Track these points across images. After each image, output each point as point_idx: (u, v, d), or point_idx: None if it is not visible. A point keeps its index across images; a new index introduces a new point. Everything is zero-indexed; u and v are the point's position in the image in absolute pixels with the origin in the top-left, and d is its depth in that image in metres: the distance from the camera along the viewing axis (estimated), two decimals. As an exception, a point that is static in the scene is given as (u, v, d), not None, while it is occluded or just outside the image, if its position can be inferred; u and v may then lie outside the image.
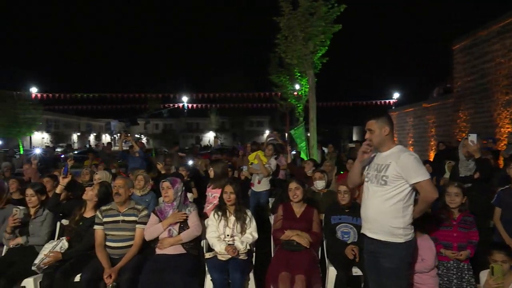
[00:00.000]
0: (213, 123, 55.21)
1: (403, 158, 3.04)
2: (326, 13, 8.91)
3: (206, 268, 4.07)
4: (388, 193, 3.08)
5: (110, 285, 3.86)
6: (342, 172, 8.11)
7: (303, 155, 10.35)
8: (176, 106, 34.92)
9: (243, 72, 53.26)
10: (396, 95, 36.03)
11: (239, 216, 4.29)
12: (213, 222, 4.31)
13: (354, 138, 44.86)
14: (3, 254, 4.41)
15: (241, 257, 4.07)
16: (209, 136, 64.39)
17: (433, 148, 19.56)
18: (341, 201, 4.53)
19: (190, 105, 35.27)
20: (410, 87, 64.07)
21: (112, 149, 15.28)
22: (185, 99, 35.12)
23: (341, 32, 9.25)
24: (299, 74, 16.39)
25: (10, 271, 4.03)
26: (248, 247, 4.17)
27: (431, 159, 12.10)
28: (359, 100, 34.61)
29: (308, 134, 10.29)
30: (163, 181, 4.29)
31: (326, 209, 4.75)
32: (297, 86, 19.38)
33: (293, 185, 4.56)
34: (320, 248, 4.58)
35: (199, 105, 34.61)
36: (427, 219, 3.86)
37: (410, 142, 23.96)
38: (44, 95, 28.05)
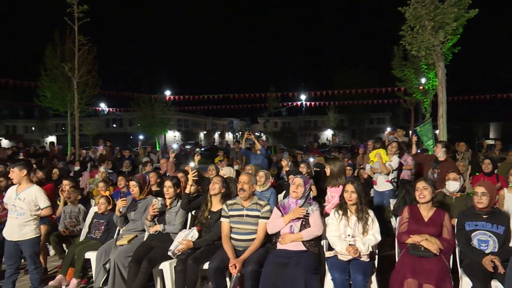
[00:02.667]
0: (332, 120, 54.50)
1: None
2: (460, -2, 8.10)
3: (326, 267, 4.03)
4: None
5: (235, 275, 4.08)
6: (477, 174, 7.30)
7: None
8: (294, 105, 35.39)
9: (363, 67, 51.33)
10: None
11: (360, 216, 4.16)
12: (333, 221, 4.25)
13: (492, 135, 39.96)
14: (145, 239, 4.97)
15: (363, 258, 3.94)
16: (327, 134, 63.76)
17: None
18: (477, 205, 4.05)
19: (308, 103, 35.40)
20: None
21: (231, 146, 16.12)
22: (303, 97, 35.37)
23: (475, 17, 8.31)
24: (425, 66, 15.20)
25: (151, 255, 4.53)
26: (371, 249, 4.01)
27: None
28: (497, 93, 30.63)
29: (437, 132, 9.49)
30: (296, 177, 4.37)
31: (459, 214, 4.30)
32: (423, 80, 18.04)
33: (421, 184, 4.24)
34: (451, 257, 4.18)
35: (317, 103, 34.48)
36: None
37: None
38: (176, 97, 30.86)
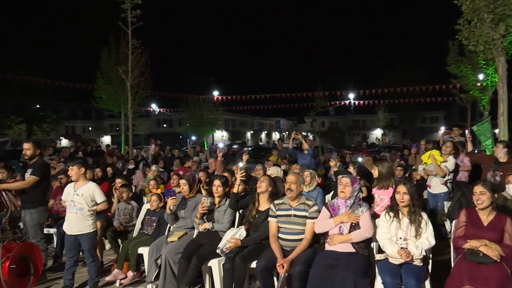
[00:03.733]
0: (381, 119, 53.01)
1: None
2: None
3: (377, 270, 3.93)
4: None
5: (283, 275, 4.07)
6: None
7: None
8: (342, 104, 34.80)
9: (415, 64, 49.46)
10: None
11: (413, 219, 4.00)
12: (384, 223, 4.13)
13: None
14: (194, 237, 5.09)
15: (416, 262, 3.79)
16: (376, 134, 62.11)
17: None
18: (543, 210, 3.78)
19: (356, 102, 34.67)
20: None
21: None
22: (351, 96, 34.70)
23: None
24: (484, 62, 14.38)
25: (200, 252, 4.63)
26: (424, 253, 3.85)
27: None
28: None
29: (496, 131, 8.95)
30: (343, 177, 4.31)
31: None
32: (481, 76, 17.07)
33: (478, 188, 4.00)
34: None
35: (366, 102, 33.69)
36: None
37: None
38: (224, 97, 31.33)
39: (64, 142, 49.69)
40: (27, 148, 5.53)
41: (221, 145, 13.85)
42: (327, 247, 4.14)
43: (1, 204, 5.84)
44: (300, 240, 4.31)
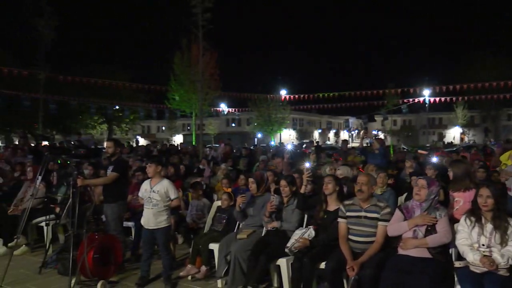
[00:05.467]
0: (460, 117, 49.69)
1: None
2: None
3: (456, 278, 3.68)
4: None
5: (353, 277, 3.97)
6: None
7: None
8: (416, 101, 33.09)
9: (498, 57, 45.53)
10: None
11: (498, 225, 3.69)
12: (464, 228, 3.85)
13: None
14: (263, 235, 5.13)
15: (501, 272, 3.50)
16: (454, 132, 58.33)
17: None
18: None
19: (432, 99, 32.75)
20: None
21: (348, 145, 15.72)
22: (426, 92, 32.86)
23: None
24: None
25: (269, 250, 4.67)
26: (511, 262, 3.54)
27: None
28: None
29: None
30: (419, 178, 4.12)
31: None
32: None
33: None
34: None
35: (443, 99, 31.66)
36: None
37: None
38: (292, 96, 31.24)
39: (141, 140, 52.85)
40: (109, 146, 5.94)
41: (289, 146, 13.87)
42: (400, 251, 3.97)
43: (86, 198, 6.33)
44: (371, 242, 4.17)
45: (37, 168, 6.94)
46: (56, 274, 5.50)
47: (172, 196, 5.24)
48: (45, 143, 15.74)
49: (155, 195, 5.15)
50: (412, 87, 28.68)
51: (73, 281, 4.87)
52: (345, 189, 5.04)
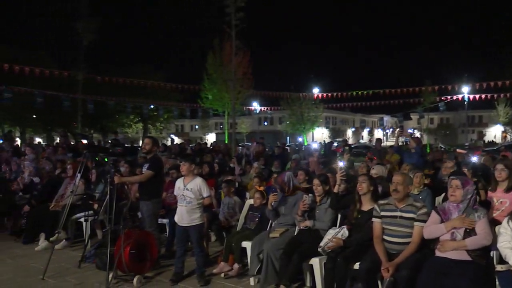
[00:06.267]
0: (501, 115, 47.55)
1: None
2: None
3: (497, 282, 3.54)
4: None
5: (388, 279, 3.88)
6: None
7: None
8: (455, 98, 31.94)
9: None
10: None
11: (542, 228, 3.51)
12: (506, 230, 3.69)
13: None
14: (295, 234, 5.11)
15: (547, 277, 3.32)
16: (495, 131, 55.94)
17: None
18: None
19: (471, 96, 31.51)
20: None
21: (383, 144, 15.39)
22: (465, 89, 31.65)
23: None
24: None
25: (301, 249, 4.64)
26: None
27: None
28: None
29: None
30: (453, 179, 3.99)
31: None
32: None
33: None
34: None
35: (484, 96, 30.42)
36: None
37: None
38: (324, 94, 30.91)
39: (175, 139, 53.87)
40: (147, 143, 6.07)
41: (315, 144, 13.78)
42: (437, 253, 3.84)
43: (123, 195, 6.50)
44: (407, 243, 4.06)
45: (77, 166, 7.20)
46: (94, 268, 5.69)
47: (205, 194, 5.31)
48: (84, 141, 16.30)
49: (189, 193, 5.22)
50: (450, 84, 27.69)
51: (110, 276, 5.02)
52: (379, 188, 4.94)
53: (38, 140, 37.17)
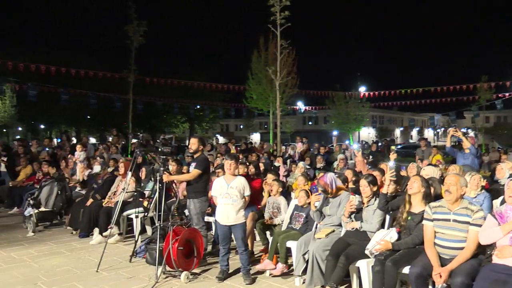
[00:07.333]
0: None
1: None
2: None
3: None
4: None
5: (440, 285, 3.72)
6: None
7: None
8: (512, 96, 30.07)
9: None
10: None
11: None
12: None
13: None
14: (342, 235, 5.02)
15: None
16: (559, 130, 52.07)
17: None
18: None
19: (533, 93, 29.51)
20: None
21: (433, 144, 14.77)
22: (525, 86, 29.67)
23: None
24: None
25: (348, 251, 4.55)
26: None
27: None
28: None
29: None
30: (510, 180, 3.77)
31: None
32: None
33: None
34: None
35: (545, 93, 28.39)
36: None
37: None
38: (371, 93, 30.14)
39: (220, 139, 54.65)
40: (193, 143, 6.21)
41: (355, 145, 13.45)
42: (495, 259, 3.63)
43: (172, 193, 6.68)
44: (461, 248, 3.88)
45: (128, 164, 7.49)
46: (144, 263, 5.90)
47: (246, 193, 5.36)
48: (134, 141, 16.93)
49: (234, 191, 5.27)
50: (509, 80, 26.08)
51: (159, 271, 5.18)
52: (432, 190, 4.74)
53: (92, 140, 39.03)
